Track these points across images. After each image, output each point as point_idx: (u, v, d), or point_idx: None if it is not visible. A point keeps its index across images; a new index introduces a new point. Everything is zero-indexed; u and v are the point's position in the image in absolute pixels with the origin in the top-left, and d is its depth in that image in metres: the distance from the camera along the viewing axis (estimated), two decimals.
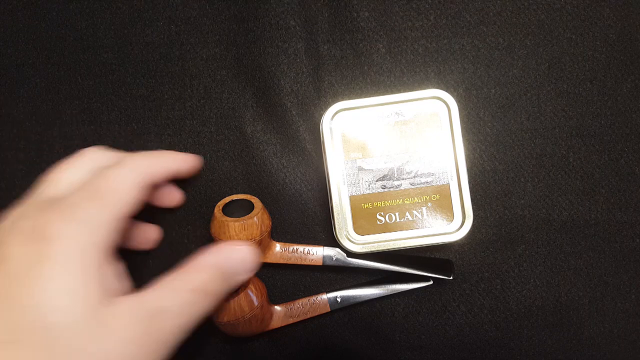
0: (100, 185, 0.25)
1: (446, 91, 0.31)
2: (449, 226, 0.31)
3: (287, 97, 0.34)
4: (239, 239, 0.28)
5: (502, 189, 0.34)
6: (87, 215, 0.23)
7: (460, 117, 0.31)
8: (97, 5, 0.35)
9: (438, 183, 0.31)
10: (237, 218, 0.29)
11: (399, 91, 0.34)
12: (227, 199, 0.31)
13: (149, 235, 0.33)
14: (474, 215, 0.30)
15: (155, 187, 0.31)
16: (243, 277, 0.28)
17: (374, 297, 0.32)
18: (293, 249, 0.32)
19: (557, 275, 0.33)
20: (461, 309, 0.34)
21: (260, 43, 0.34)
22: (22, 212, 0.24)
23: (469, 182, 0.30)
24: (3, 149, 0.35)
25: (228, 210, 0.30)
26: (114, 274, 0.24)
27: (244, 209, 0.30)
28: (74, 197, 0.24)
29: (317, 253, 0.32)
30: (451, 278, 0.31)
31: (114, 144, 0.35)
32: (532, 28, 0.34)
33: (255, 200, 0.31)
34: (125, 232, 0.25)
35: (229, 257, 0.27)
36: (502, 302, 0.34)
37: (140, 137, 0.35)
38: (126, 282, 0.26)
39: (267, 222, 0.30)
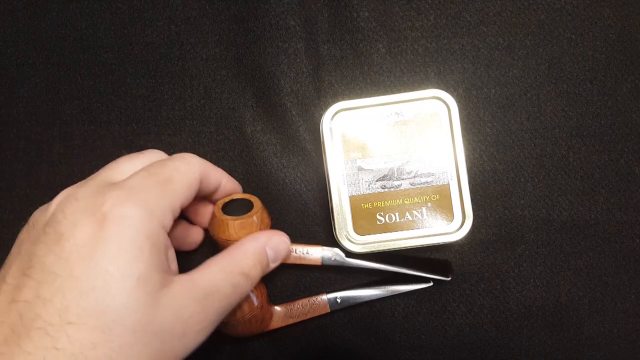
0: (160, 172, 0.25)
1: (446, 91, 0.31)
2: (449, 226, 0.31)
3: (287, 97, 0.34)
4: (239, 237, 0.28)
5: (502, 189, 0.33)
6: (147, 198, 0.23)
7: (460, 117, 0.30)
8: (97, 5, 0.35)
9: (438, 183, 0.31)
10: (237, 217, 0.29)
11: (399, 91, 0.33)
12: (227, 198, 0.31)
13: (193, 236, 0.33)
14: (474, 215, 0.30)
15: (199, 199, 0.31)
16: (277, 264, 0.29)
17: (374, 298, 0.32)
18: (292, 249, 0.32)
19: (557, 275, 0.33)
20: (461, 309, 0.34)
21: (260, 43, 0.34)
22: (82, 192, 0.23)
23: (469, 182, 0.30)
24: (3, 149, 0.35)
25: (228, 209, 0.30)
26: (169, 257, 0.25)
27: (244, 208, 0.30)
28: (133, 180, 0.24)
29: (316, 253, 0.32)
30: (449, 279, 0.31)
31: (114, 144, 0.35)
32: (532, 28, 0.34)
33: (255, 199, 0.31)
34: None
35: (269, 245, 0.28)
36: (502, 302, 0.33)
37: (140, 137, 0.35)
38: (176, 264, 0.27)
39: (267, 221, 0.30)
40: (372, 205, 0.31)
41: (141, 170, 0.25)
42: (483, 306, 0.34)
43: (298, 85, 0.34)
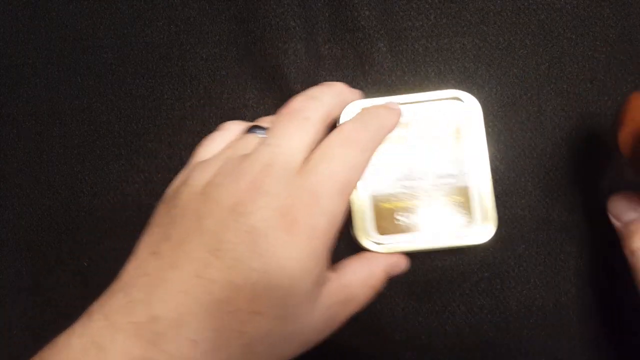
0: (340, 171, 0.26)
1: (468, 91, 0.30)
2: (470, 228, 0.30)
3: (287, 97, 0.34)
4: None
5: (502, 189, 0.33)
6: (332, 208, 0.25)
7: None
8: (97, 5, 0.35)
9: (459, 184, 0.30)
10: None
11: (400, 91, 0.33)
12: None
13: None
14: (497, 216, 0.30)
15: None
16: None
17: None
18: None
19: (557, 275, 0.33)
20: (461, 309, 0.34)
21: (260, 43, 0.34)
22: (268, 184, 0.24)
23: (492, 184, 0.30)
24: (3, 149, 0.35)
25: None
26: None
27: None
28: (315, 183, 0.25)
29: None
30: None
31: (113, 144, 0.35)
32: (532, 28, 0.34)
33: None
34: None
35: (394, 264, 0.30)
36: (502, 302, 0.33)
37: (140, 137, 0.35)
38: None
39: None
40: (392, 205, 0.30)
41: (327, 163, 0.26)
42: (483, 306, 0.34)
43: (298, 85, 0.34)
